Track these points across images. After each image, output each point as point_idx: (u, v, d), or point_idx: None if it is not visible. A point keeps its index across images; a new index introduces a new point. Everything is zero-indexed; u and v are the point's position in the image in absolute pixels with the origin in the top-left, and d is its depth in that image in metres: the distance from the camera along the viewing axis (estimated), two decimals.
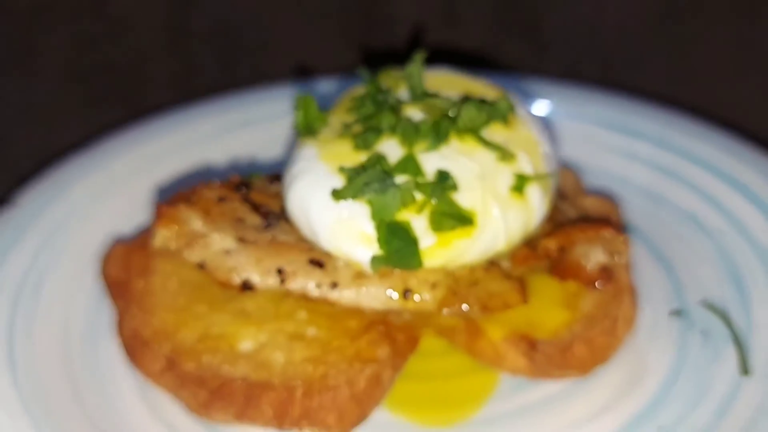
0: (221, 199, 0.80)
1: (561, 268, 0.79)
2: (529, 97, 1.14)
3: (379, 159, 0.73)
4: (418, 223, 0.72)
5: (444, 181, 0.72)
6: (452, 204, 0.72)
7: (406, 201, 0.71)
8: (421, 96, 0.78)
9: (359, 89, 0.82)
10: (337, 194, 0.72)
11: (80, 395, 0.77)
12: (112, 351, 0.80)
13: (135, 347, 0.73)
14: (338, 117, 0.80)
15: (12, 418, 0.72)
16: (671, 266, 0.94)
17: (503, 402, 0.79)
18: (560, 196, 0.87)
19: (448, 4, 1.41)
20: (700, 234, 0.97)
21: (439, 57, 1.41)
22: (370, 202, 0.71)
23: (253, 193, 0.81)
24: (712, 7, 1.38)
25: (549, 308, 0.79)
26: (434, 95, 0.80)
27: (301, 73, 1.36)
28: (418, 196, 0.72)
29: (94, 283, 0.87)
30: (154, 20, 1.34)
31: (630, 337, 0.84)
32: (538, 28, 1.41)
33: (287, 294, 0.76)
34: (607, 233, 0.79)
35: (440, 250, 0.73)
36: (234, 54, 1.38)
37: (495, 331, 0.76)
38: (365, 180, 0.71)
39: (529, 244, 0.78)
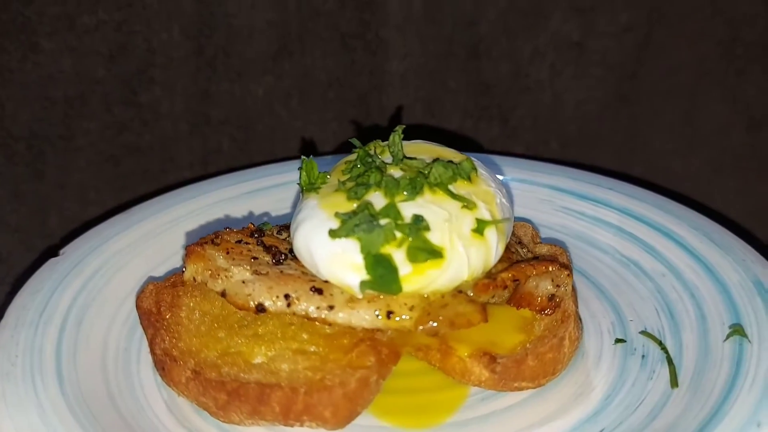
0: (239, 242, 0.94)
1: (517, 297, 0.93)
2: (496, 169, 1.30)
3: (366, 205, 0.88)
4: (398, 256, 0.86)
5: (418, 222, 0.87)
6: (425, 241, 0.87)
7: (388, 238, 0.86)
8: (400, 159, 0.94)
9: (352, 156, 0.97)
10: (333, 233, 0.87)
11: (117, 406, 0.89)
12: (143, 370, 0.93)
13: (165, 362, 0.86)
14: (335, 176, 0.95)
15: (62, 422, 0.83)
16: (618, 304, 1.08)
17: (472, 410, 0.92)
18: (518, 243, 1.01)
19: (431, 94, 1.57)
20: (643, 277, 1.11)
21: (422, 136, 1.58)
22: (359, 239, 0.86)
23: (265, 238, 0.96)
24: (658, 91, 1.55)
25: (508, 331, 0.93)
26: (412, 158, 0.95)
27: (306, 150, 1.53)
28: (398, 235, 0.86)
29: (128, 317, 1.00)
30: (178, 108, 1.50)
31: (576, 357, 0.97)
32: (507, 113, 1.57)
33: (292, 321, 0.89)
34: (553, 268, 0.93)
35: (415, 278, 0.87)
36: (248, 138, 1.53)
37: (463, 350, 0.89)
38: (355, 222, 0.86)
39: (489, 276, 0.92)
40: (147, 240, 1.13)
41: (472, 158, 0.99)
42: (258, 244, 0.95)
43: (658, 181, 1.60)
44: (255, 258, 0.92)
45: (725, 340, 0.95)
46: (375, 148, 0.97)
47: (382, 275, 0.85)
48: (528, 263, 0.93)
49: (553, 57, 1.56)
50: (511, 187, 1.31)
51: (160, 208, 1.20)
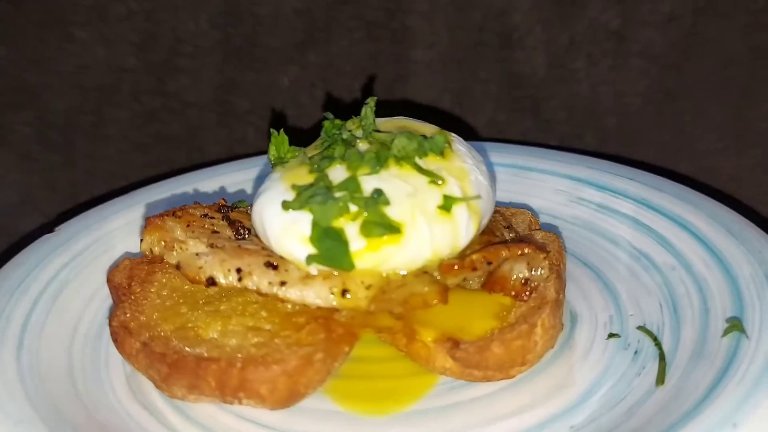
0: (204, 215, 0.91)
1: (490, 281, 0.86)
2: (514, 158, 1.23)
3: (323, 177, 0.83)
4: (352, 230, 0.81)
5: (377, 196, 0.81)
6: (382, 215, 0.81)
7: (342, 210, 0.81)
8: (369, 132, 0.89)
9: None
10: (286, 205, 0.82)
11: (74, 378, 0.87)
12: (111, 346, 0.90)
13: (119, 334, 0.83)
14: (308, 152, 0.91)
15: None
16: (620, 298, 0.99)
17: (437, 399, 0.85)
18: (507, 227, 0.94)
19: (460, 84, 1.51)
20: (653, 270, 1.02)
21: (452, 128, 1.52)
22: (312, 211, 0.81)
23: (233, 213, 0.92)
24: (705, 86, 1.44)
25: (481, 317, 0.86)
26: (386, 133, 0.90)
27: None
28: (354, 208, 0.81)
29: (107, 296, 0.98)
30: (205, 98, 1.49)
31: (562, 350, 0.89)
32: (540, 105, 1.49)
33: (256, 300, 0.85)
34: (529, 251, 0.85)
35: (369, 254, 0.81)
36: (273, 127, 1.51)
37: (427, 334, 0.83)
38: (310, 194, 0.81)
39: (459, 257, 0.85)
40: (141, 222, 1.11)
41: (452, 135, 0.92)
42: (223, 219, 0.91)
43: (705, 181, 1.48)
44: (215, 232, 0.89)
45: (723, 336, 0.85)
46: (352, 123, 0.92)
47: (329, 249, 0.80)
48: (502, 244, 0.86)
49: (590, 47, 1.47)
50: (528, 176, 1.24)
51: (162, 191, 1.18)
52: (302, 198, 0.81)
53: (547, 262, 0.86)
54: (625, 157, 1.47)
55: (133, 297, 0.88)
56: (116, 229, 1.09)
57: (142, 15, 1.46)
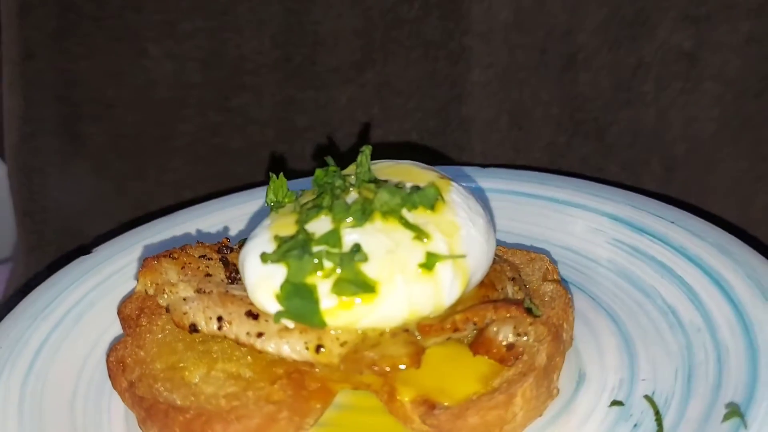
0: (202, 257, 0.91)
1: (476, 343, 0.81)
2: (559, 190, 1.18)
3: (304, 231, 0.80)
4: (325, 287, 0.78)
5: (355, 252, 0.78)
6: (357, 273, 0.78)
7: (317, 267, 0.78)
8: (362, 181, 0.85)
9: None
10: (264, 257, 0.81)
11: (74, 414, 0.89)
12: None
13: (114, 370, 0.85)
14: (306, 195, 0.89)
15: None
16: (637, 359, 0.92)
17: None
18: (512, 279, 0.89)
19: (519, 105, 1.44)
20: (677, 330, 0.94)
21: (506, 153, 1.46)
22: (287, 265, 0.79)
23: (232, 254, 0.92)
24: None
25: (464, 379, 0.81)
26: (384, 182, 0.86)
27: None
28: (329, 265, 0.78)
29: None
30: (266, 114, 1.50)
31: (560, 415, 0.83)
32: (604, 129, 1.40)
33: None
34: (517, 314, 0.80)
35: (341, 312, 0.78)
36: (329, 145, 1.51)
37: (405, 393, 0.79)
38: (287, 247, 0.79)
39: (443, 315, 0.81)
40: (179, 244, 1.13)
41: (454, 183, 0.87)
42: (220, 260, 0.91)
43: None
44: (208, 275, 0.88)
45: (723, 421, 0.76)
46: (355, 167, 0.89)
47: (297, 307, 0.77)
48: (490, 305, 0.81)
49: (659, 69, 1.36)
50: (566, 211, 1.17)
51: (202, 213, 1.19)
52: (280, 251, 0.79)
53: (532, 327, 0.80)
54: (684, 202, 1.34)
55: (138, 330, 0.89)
56: (147, 255, 1.11)
57: (207, 32, 1.48)
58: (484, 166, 1.31)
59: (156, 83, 1.52)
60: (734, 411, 0.75)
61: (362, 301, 0.78)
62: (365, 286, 0.77)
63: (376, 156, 1.48)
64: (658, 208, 1.11)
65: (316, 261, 0.78)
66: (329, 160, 0.90)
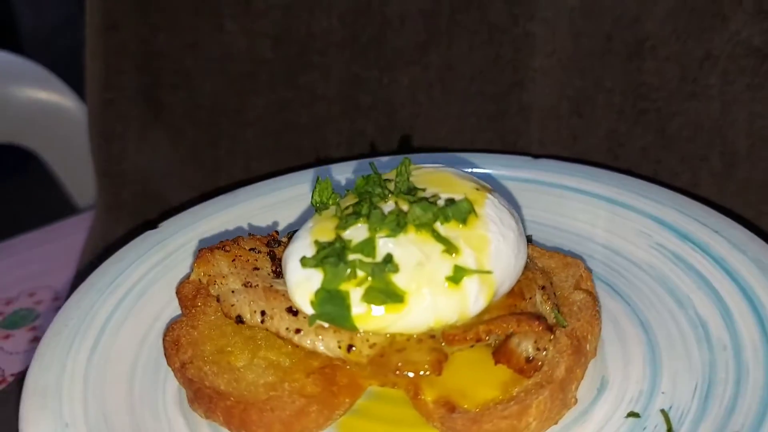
0: (252, 249, 0.98)
1: (498, 353, 0.85)
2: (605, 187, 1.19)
3: (341, 239, 0.86)
4: (357, 294, 0.84)
5: (386, 263, 0.83)
6: (388, 283, 0.83)
7: (351, 276, 0.83)
8: (400, 191, 0.90)
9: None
10: (303, 261, 0.87)
11: (132, 386, 0.97)
12: None
13: (169, 349, 0.93)
14: (348, 199, 0.94)
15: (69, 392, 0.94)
16: (660, 372, 0.94)
17: None
18: (541, 288, 0.92)
19: (581, 93, 1.44)
20: (704, 345, 0.95)
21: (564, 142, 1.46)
22: (324, 272, 0.85)
23: (279, 249, 0.98)
24: None
25: (484, 385, 0.86)
26: (420, 189, 0.90)
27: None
28: (361, 273, 0.84)
29: None
30: (332, 92, 1.55)
31: (577, 423, 0.87)
32: (665, 120, 1.39)
33: None
34: (538, 329, 0.83)
35: (371, 319, 0.84)
36: (390, 124, 1.54)
37: (429, 393, 0.85)
38: (325, 254, 0.85)
39: (466, 326, 0.85)
40: (239, 222, 1.20)
41: (491, 195, 0.91)
42: (268, 254, 0.97)
43: None
44: (256, 269, 0.95)
45: None
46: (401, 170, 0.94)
47: (330, 313, 0.83)
48: (514, 318, 0.85)
49: (726, 63, 1.34)
50: (614, 211, 1.18)
51: (259, 192, 1.26)
52: (318, 257, 0.85)
53: (552, 342, 0.84)
54: (734, 212, 1.32)
55: (194, 311, 0.97)
56: (211, 230, 1.18)
57: (280, 11, 1.52)
58: (536, 156, 1.32)
59: (231, 57, 1.58)
60: None
61: (391, 309, 0.83)
62: (394, 296, 0.83)
63: (436, 140, 1.53)
64: (705, 215, 1.11)
65: (350, 269, 0.83)
66: (373, 166, 0.95)
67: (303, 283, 0.86)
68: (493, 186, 1.24)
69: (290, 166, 1.59)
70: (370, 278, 0.83)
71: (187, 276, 1.03)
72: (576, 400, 0.88)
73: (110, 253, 1.14)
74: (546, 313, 0.90)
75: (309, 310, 0.85)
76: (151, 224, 1.20)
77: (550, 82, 1.45)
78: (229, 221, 1.21)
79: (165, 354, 0.94)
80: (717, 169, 1.40)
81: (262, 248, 0.99)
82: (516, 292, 0.90)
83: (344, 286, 0.84)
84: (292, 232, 1.03)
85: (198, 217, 1.22)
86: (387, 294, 0.82)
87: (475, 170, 1.28)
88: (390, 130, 1.55)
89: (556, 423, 0.86)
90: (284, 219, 1.22)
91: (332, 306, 0.83)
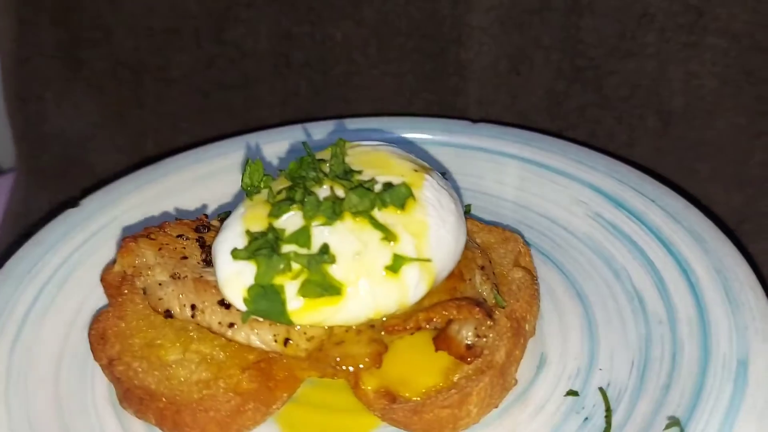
0: (180, 236, 0.93)
1: (439, 340, 0.84)
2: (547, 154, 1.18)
3: (274, 229, 0.82)
4: (292, 288, 0.81)
5: (322, 254, 0.80)
6: (324, 275, 0.80)
7: (285, 269, 0.80)
8: (339, 175, 0.86)
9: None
10: (234, 253, 0.83)
11: (59, 378, 0.94)
12: None
13: (95, 344, 0.89)
14: (280, 182, 0.90)
15: None
16: (598, 346, 0.94)
17: None
18: (481, 268, 0.91)
19: (520, 50, 1.41)
20: (640, 318, 0.96)
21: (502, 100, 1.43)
22: (257, 265, 0.81)
23: (208, 234, 0.94)
24: None
25: (424, 372, 0.85)
26: (357, 172, 0.87)
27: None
28: (296, 266, 0.80)
29: None
30: (262, 48, 1.48)
31: (516, 402, 0.87)
32: (603, 78, 1.37)
33: None
34: (478, 315, 0.82)
35: (307, 313, 0.81)
36: (324, 83, 1.49)
37: (369, 382, 0.83)
38: (257, 246, 0.81)
39: (406, 314, 0.83)
40: (164, 197, 1.15)
41: (429, 176, 0.88)
42: (197, 241, 0.93)
43: None
44: (184, 258, 0.91)
45: (665, 429, 0.80)
46: (332, 151, 0.90)
47: (264, 309, 0.80)
48: (453, 305, 0.83)
49: (664, 20, 1.32)
50: (552, 178, 1.17)
51: (185, 164, 1.21)
52: (250, 248, 0.81)
53: (492, 329, 0.83)
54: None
55: (120, 299, 0.93)
56: (134, 207, 1.13)
57: None
58: (474, 120, 1.30)
59: (153, 11, 1.49)
60: (675, 423, 0.78)
61: (328, 302, 0.80)
62: (331, 289, 0.80)
63: (373, 100, 1.49)
64: (641, 183, 1.11)
65: (284, 263, 0.80)
66: (306, 147, 0.90)
67: (234, 278, 0.82)
68: (430, 152, 1.22)
69: (220, 127, 1.54)
70: (305, 271, 0.80)
71: (113, 261, 0.98)
72: (516, 381, 0.87)
73: (29, 234, 1.08)
74: (486, 293, 0.88)
75: (242, 306, 0.82)
76: (71, 202, 1.14)
77: (488, 39, 1.41)
78: (154, 197, 1.16)
79: (91, 348, 0.90)
80: (653, 127, 1.40)
81: (190, 234, 0.94)
82: (455, 273, 0.89)
83: (278, 280, 0.81)
84: (222, 215, 0.98)
85: (121, 193, 1.16)
86: (324, 287, 0.79)
87: (411, 136, 1.24)
88: (324, 89, 1.50)
89: (496, 406, 0.86)
90: (212, 194, 1.17)
91: (266, 302, 0.80)
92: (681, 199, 1.06)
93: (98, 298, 1.01)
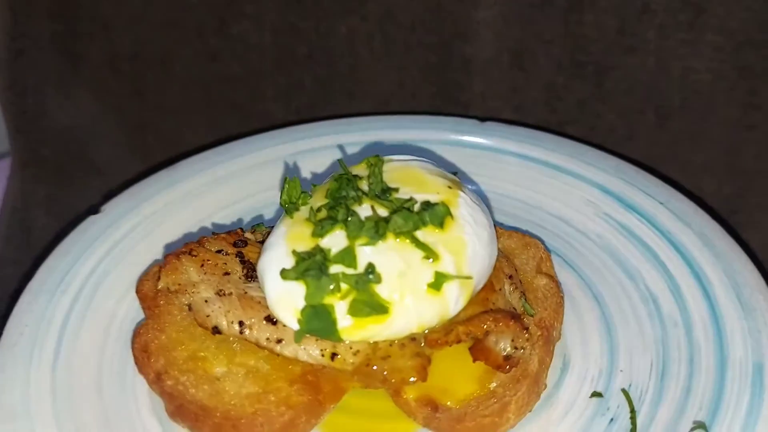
0: (219, 251, 0.96)
1: (475, 350, 0.89)
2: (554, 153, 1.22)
3: (321, 250, 0.86)
4: (341, 307, 0.85)
5: (369, 274, 0.84)
6: (371, 294, 0.84)
7: (334, 289, 0.84)
8: (378, 193, 0.90)
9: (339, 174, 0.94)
10: (284, 274, 0.86)
11: (102, 392, 0.96)
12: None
13: (140, 357, 0.92)
14: (318, 197, 0.93)
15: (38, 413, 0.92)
16: (617, 348, 1.00)
17: None
18: (509, 277, 0.96)
19: (522, 44, 1.44)
20: (656, 320, 1.02)
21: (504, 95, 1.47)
22: (306, 285, 0.85)
23: (247, 248, 0.97)
24: None
25: (463, 380, 0.90)
26: (394, 189, 0.91)
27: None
28: (344, 286, 0.85)
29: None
30: (266, 42, 1.49)
31: (546, 404, 0.93)
32: (603, 73, 1.42)
33: None
34: (515, 328, 0.87)
35: (356, 331, 0.85)
36: (329, 76, 1.51)
37: (411, 391, 0.88)
38: (306, 267, 0.85)
39: (446, 327, 0.88)
40: (185, 199, 1.17)
41: (462, 193, 0.92)
42: (236, 256, 0.96)
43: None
44: (227, 273, 0.94)
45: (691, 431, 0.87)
46: (365, 166, 0.93)
47: (317, 328, 0.84)
48: (491, 317, 0.88)
49: (664, 17, 1.36)
50: (560, 179, 1.22)
51: (204, 166, 1.23)
52: (299, 269, 0.85)
53: (529, 342, 0.88)
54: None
55: (157, 311, 0.96)
56: (156, 211, 1.15)
57: None
58: (482, 119, 1.34)
59: (152, 3, 1.49)
60: (700, 425, 0.85)
61: (376, 321, 0.85)
62: (379, 308, 0.84)
63: (376, 93, 1.51)
64: (649, 185, 1.16)
65: (332, 284, 0.84)
66: (343, 164, 0.94)
67: (285, 297, 0.86)
68: (437, 152, 1.26)
69: (223, 121, 1.55)
70: (354, 290, 0.84)
71: (146, 272, 1.01)
72: (546, 385, 0.93)
73: (54, 243, 1.10)
74: (514, 302, 0.94)
75: (293, 325, 0.86)
76: (93, 209, 1.16)
77: (491, 33, 1.44)
78: (174, 199, 1.18)
79: (136, 363, 0.93)
80: (652, 122, 1.46)
81: (229, 249, 0.97)
82: (487, 284, 0.93)
83: (328, 300, 0.85)
84: (255, 227, 1.02)
85: (141, 198, 1.18)
86: (372, 306, 0.84)
87: (418, 135, 1.27)
88: (329, 82, 1.52)
89: (530, 410, 0.91)
90: (231, 193, 1.20)
91: (318, 321, 0.84)
92: (689, 202, 1.12)
93: (129, 307, 1.04)
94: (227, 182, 1.21)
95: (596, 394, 0.94)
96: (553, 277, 0.99)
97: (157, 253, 1.11)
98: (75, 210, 1.48)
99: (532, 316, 0.93)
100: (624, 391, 0.94)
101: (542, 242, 1.05)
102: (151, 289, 0.99)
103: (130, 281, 1.06)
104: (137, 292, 0.99)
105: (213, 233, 0.99)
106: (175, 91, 1.54)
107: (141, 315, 1.04)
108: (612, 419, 0.91)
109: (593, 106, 1.47)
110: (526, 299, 0.95)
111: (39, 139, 1.57)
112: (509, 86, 1.49)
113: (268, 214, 1.18)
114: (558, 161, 1.22)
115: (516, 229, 1.08)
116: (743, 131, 1.44)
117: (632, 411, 0.91)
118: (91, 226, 1.12)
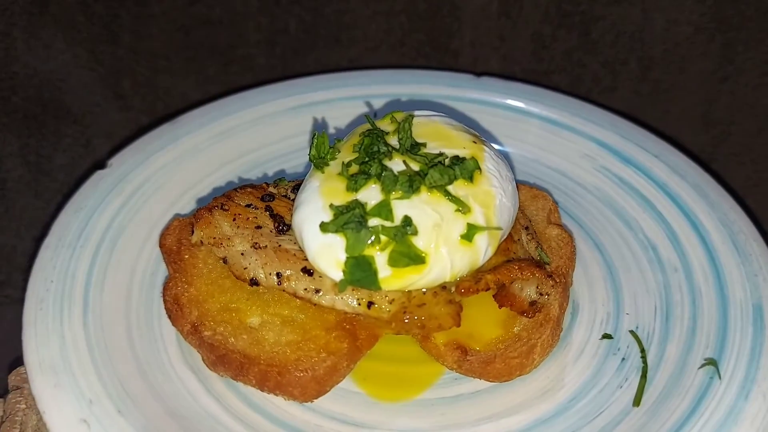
0: (248, 205, 1.02)
1: (501, 297, 0.98)
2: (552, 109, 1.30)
3: (358, 204, 0.93)
4: (380, 258, 0.93)
5: (406, 226, 0.92)
6: (409, 245, 0.92)
7: (374, 241, 0.92)
8: (408, 148, 0.97)
9: (365, 128, 1.01)
10: (323, 227, 0.94)
11: (132, 341, 1.01)
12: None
13: (173, 310, 0.98)
14: (345, 152, 1.00)
15: (79, 362, 0.97)
16: (621, 293, 1.11)
17: (442, 389, 1.01)
18: (525, 228, 1.05)
19: None
20: (656, 267, 1.13)
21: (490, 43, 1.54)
22: (346, 238, 0.92)
23: (275, 202, 1.03)
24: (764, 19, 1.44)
25: (488, 325, 1.00)
26: (422, 144, 0.98)
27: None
28: (383, 238, 0.92)
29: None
30: None
31: (560, 346, 1.03)
32: (589, 24, 1.50)
33: None
34: (540, 276, 0.97)
35: (395, 280, 0.94)
36: (314, 21, 1.54)
37: (439, 337, 0.98)
38: (345, 220, 0.92)
39: (475, 275, 0.97)
40: (191, 153, 1.22)
41: (486, 147, 1.00)
42: (265, 210, 1.02)
43: (742, 118, 1.53)
44: (259, 227, 1.00)
45: (700, 368, 0.99)
46: (390, 121, 1.00)
47: (360, 279, 0.92)
48: (516, 266, 0.98)
49: None
50: (559, 134, 1.31)
51: (207, 120, 1.27)
52: (338, 222, 0.92)
53: (553, 288, 0.98)
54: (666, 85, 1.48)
55: (182, 264, 1.02)
56: (166, 165, 1.20)
57: None
58: (478, 74, 1.41)
59: None
60: (711, 362, 0.97)
61: (414, 271, 0.93)
62: (417, 258, 0.93)
63: (364, 39, 1.56)
64: (643, 139, 1.27)
65: (372, 236, 0.92)
66: (370, 120, 1.00)
67: (325, 249, 0.93)
68: (434, 107, 1.33)
69: (202, 66, 1.57)
70: (393, 242, 0.92)
71: (167, 226, 1.07)
72: (562, 328, 1.04)
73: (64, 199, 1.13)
74: (531, 251, 1.03)
75: (335, 276, 0.93)
76: (100, 164, 1.19)
77: None
78: (181, 154, 1.23)
79: (169, 316, 0.99)
80: (635, 73, 1.56)
81: (257, 203, 1.03)
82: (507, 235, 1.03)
83: (368, 251, 0.92)
84: (277, 181, 1.08)
85: (147, 153, 1.22)
86: (410, 257, 0.92)
87: (415, 90, 1.35)
88: (314, 28, 1.56)
89: (552, 350, 1.02)
90: (236, 146, 1.26)
91: (361, 272, 0.92)
92: (681, 155, 1.23)
93: (148, 259, 1.10)
94: (232, 134, 1.25)
95: (606, 336, 1.05)
96: (562, 228, 1.09)
97: (171, 206, 1.15)
98: (51, 161, 1.51)
99: (548, 264, 1.03)
100: (632, 332, 1.05)
101: (550, 194, 1.14)
102: (174, 243, 1.04)
103: (147, 234, 1.11)
104: (161, 246, 1.04)
105: (241, 186, 1.05)
106: (151, 34, 1.55)
107: (160, 268, 1.09)
108: (624, 358, 1.03)
109: (579, 57, 1.56)
110: (542, 248, 1.04)
111: (11, 87, 1.56)
112: (497, 34, 1.56)
113: (272, 168, 1.24)
114: (555, 116, 1.31)
115: (522, 182, 1.17)
116: (717, 83, 1.55)
117: (642, 350, 1.03)
118: (99, 181, 1.16)
